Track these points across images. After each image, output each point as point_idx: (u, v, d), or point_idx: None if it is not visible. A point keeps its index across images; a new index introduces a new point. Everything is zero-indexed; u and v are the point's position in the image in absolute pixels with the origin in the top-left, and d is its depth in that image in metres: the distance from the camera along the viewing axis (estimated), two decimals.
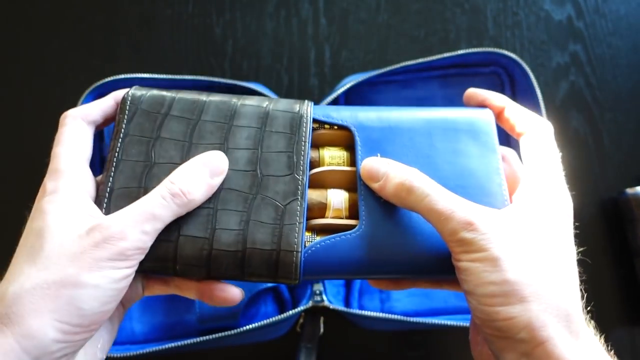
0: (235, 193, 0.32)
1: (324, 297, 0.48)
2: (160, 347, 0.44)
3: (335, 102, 0.55)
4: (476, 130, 0.35)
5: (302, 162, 0.33)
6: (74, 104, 0.49)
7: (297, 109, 0.35)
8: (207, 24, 0.60)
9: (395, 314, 0.47)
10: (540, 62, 0.59)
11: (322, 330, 0.50)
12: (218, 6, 0.60)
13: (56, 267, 0.26)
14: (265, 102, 0.35)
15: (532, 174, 0.33)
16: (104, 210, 0.30)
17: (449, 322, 0.45)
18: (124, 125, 0.33)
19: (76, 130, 0.32)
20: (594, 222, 0.56)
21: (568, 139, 0.57)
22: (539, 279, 0.28)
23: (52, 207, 0.28)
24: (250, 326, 0.44)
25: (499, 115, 0.37)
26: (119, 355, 0.44)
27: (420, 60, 0.50)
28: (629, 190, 0.53)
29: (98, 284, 0.26)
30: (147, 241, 0.28)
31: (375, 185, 0.32)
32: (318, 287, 0.48)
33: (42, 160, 0.55)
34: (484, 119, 0.36)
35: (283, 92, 0.58)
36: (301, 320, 0.50)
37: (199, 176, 0.30)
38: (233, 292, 0.32)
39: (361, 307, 0.50)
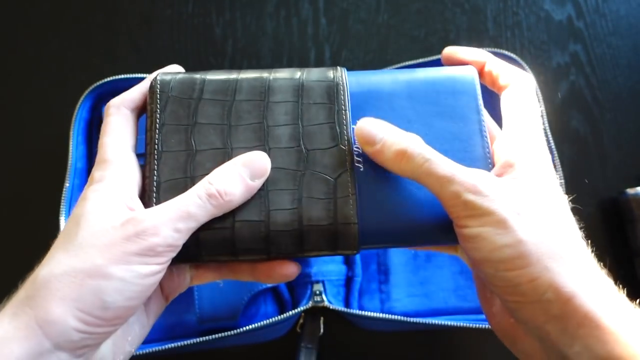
0: (283, 172, 0.31)
1: (324, 298, 0.48)
2: (160, 348, 0.44)
3: None
4: (458, 91, 0.34)
5: (345, 132, 0.32)
6: (73, 104, 0.49)
7: (332, 76, 0.34)
8: (207, 24, 0.60)
9: (395, 314, 0.47)
10: (540, 62, 0.59)
11: (322, 330, 0.50)
12: (218, 6, 0.60)
13: (86, 256, 0.26)
14: (297, 73, 0.34)
15: (513, 128, 0.32)
16: (154, 203, 0.30)
17: (449, 323, 0.45)
18: (157, 115, 0.32)
19: (121, 119, 0.32)
20: (594, 222, 0.55)
21: (568, 138, 0.57)
22: (550, 236, 0.27)
23: (93, 196, 0.29)
24: (250, 326, 0.44)
25: (480, 71, 0.36)
26: None
27: (420, 60, 0.50)
28: (629, 190, 0.53)
29: (124, 277, 0.26)
30: (179, 239, 0.28)
31: (370, 150, 0.31)
32: (318, 287, 0.48)
33: (43, 160, 0.55)
34: (466, 77, 0.35)
35: None
36: (301, 321, 0.50)
37: (238, 177, 0.30)
38: (291, 268, 0.32)
39: (361, 308, 0.50)
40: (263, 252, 0.30)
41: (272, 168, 0.31)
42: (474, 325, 0.45)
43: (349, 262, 0.51)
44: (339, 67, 0.35)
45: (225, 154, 0.31)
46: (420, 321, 0.45)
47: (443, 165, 0.29)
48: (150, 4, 0.60)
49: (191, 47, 0.59)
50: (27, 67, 0.58)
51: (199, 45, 0.59)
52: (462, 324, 0.45)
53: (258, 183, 0.30)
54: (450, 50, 0.38)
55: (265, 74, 0.34)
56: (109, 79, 0.49)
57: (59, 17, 0.60)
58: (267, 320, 0.45)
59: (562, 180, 0.47)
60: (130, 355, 0.31)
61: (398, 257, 0.51)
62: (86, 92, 0.50)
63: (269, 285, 0.48)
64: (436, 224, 0.32)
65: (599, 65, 0.59)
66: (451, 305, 0.49)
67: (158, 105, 0.32)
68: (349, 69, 0.59)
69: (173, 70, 0.34)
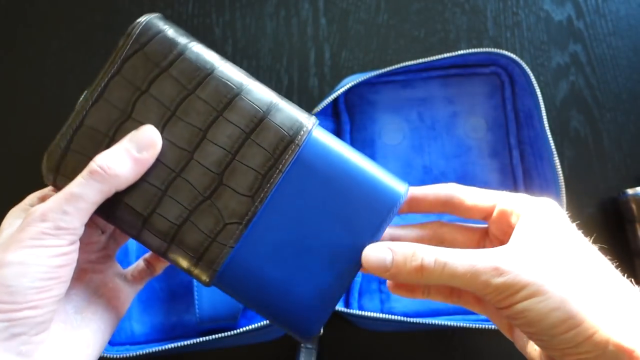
0: (189, 187, 0.30)
1: None
2: (159, 348, 0.44)
3: (335, 102, 0.55)
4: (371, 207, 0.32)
5: (265, 191, 0.31)
6: (73, 104, 0.49)
7: (293, 130, 0.31)
8: (207, 24, 0.60)
9: (395, 314, 0.47)
10: (540, 62, 0.59)
11: (321, 331, 0.50)
12: (218, 6, 0.60)
13: None
14: (266, 104, 0.31)
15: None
16: (66, 140, 0.30)
17: (449, 323, 0.45)
18: (119, 61, 0.30)
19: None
20: (594, 222, 0.55)
21: (568, 139, 0.57)
22: (587, 283, 0.27)
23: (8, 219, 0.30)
24: (250, 327, 0.44)
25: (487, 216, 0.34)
26: (118, 355, 0.44)
27: (420, 60, 0.50)
28: (629, 190, 0.53)
29: (23, 260, 0.27)
30: (71, 221, 0.28)
31: (386, 275, 0.30)
32: None
33: (41, 158, 0.55)
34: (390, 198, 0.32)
35: (283, 92, 0.58)
36: None
37: (122, 151, 0.29)
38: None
39: (361, 308, 0.50)
40: (134, 233, 0.31)
41: (181, 178, 0.30)
42: (474, 325, 0.45)
43: None
44: (312, 121, 0.31)
45: None
46: (420, 321, 0.45)
47: (460, 261, 0.28)
48: (150, 4, 0.60)
49: None
50: (27, 67, 0.58)
51: None
52: (462, 324, 0.45)
53: (147, 155, 0.29)
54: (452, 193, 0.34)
55: (236, 84, 0.31)
56: None
57: (59, 17, 0.60)
58: (267, 321, 0.45)
59: (562, 181, 0.47)
60: (97, 356, 0.31)
61: None
62: (86, 92, 0.49)
63: None
64: (297, 323, 0.32)
65: (598, 66, 0.59)
66: (451, 305, 0.49)
67: (125, 52, 0.30)
68: (349, 69, 0.60)
69: (159, 18, 0.31)
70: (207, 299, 0.47)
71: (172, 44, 0.30)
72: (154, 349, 0.44)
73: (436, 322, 0.45)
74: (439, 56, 0.51)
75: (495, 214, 0.33)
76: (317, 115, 0.52)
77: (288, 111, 0.31)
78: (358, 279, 0.50)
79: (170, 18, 0.60)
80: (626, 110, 0.58)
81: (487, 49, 0.51)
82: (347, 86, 0.50)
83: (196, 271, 0.31)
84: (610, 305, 0.27)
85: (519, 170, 0.54)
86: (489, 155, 0.54)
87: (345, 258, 0.31)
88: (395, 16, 0.60)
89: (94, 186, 0.28)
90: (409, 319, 0.46)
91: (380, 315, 0.45)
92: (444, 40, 0.60)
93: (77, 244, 0.29)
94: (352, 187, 0.31)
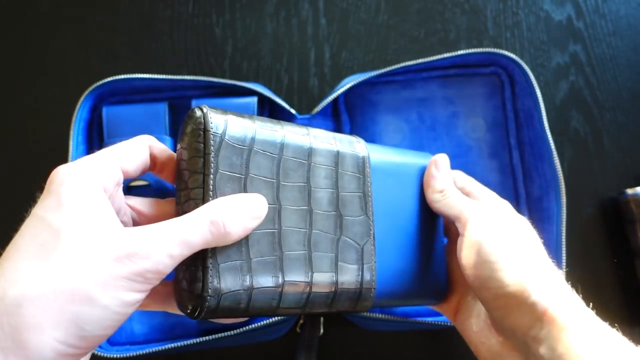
0: (323, 235, 0.33)
1: None
2: (160, 348, 0.44)
3: (335, 103, 0.55)
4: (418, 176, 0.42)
5: (369, 203, 0.36)
6: (73, 104, 0.49)
7: (359, 149, 0.36)
8: (207, 24, 0.60)
9: (395, 314, 0.47)
10: (540, 62, 0.59)
11: (322, 330, 0.50)
12: (218, 6, 0.60)
13: (69, 275, 0.23)
14: (330, 137, 0.35)
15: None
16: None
17: (450, 322, 0.45)
18: (212, 158, 0.29)
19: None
20: (594, 222, 0.56)
21: (567, 139, 0.58)
22: (513, 249, 0.35)
23: (74, 200, 0.25)
24: (250, 326, 0.44)
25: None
26: (118, 355, 0.44)
27: (420, 60, 0.50)
28: (629, 191, 0.53)
29: (108, 304, 0.23)
30: (169, 266, 0.25)
31: (432, 171, 0.40)
32: None
33: (43, 160, 0.55)
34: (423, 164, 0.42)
35: (283, 92, 0.58)
36: (301, 321, 0.50)
37: (240, 213, 0.28)
38: None
39: None
40: (299, 310, 0.32)
41: (315, 231, 0.32)
42: None
43: None
44: (360, 139, 0.37)
45: (275, 211, 0.31)
46: (421, 321, 0.45)
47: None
48: (150, 4, 0.60)
49: (191, 47, 0.59)
50: (27, 67, 0.58)
51: (199, 45, 0.59)
52: None
53: (253, 224, 0.29)
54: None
55: (304, 132, 0.34)
56: (109, 79, 0.49)
57: (59, 17, 0.60)
58: (267, 321, 0.45)
59: (562, 181, 0.47)
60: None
61: None
62: (86, 92, 0.49)
63: None
64: (431, 292, 0.40)
65: (598, 66, 0.59)
66: None
67: (212, 148, 0.29)
68: (349, 69, 0.60)
69: (212, 108, 0.31)
70: None
71: (243, 124, 0.31)
72: (154, 349, 0.44)
73: (437, 321, 0.45)
74: (439, 56, 0.51)
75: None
76: (317, 115, 0.52)
77: (345, 138, 0.36)
78: None
79: (170, 18, 0.60)
80: (626, 110, 0.58)
81: (487, 49, 0.51)
82: (347, 86, 0.50)
83: (358, 307, 0.35)
84: (534, 269, 0.33)
85: (519, 170, 0.54)
86: (488, 156, 0.54)
87: (430, 226, 0.40)
88: (395, 16, 0.60)
89: (206, 237, 0.26)
90: (409, 319, 0.46)
91: (381, 316, 0.45)
92: (444, 40, 0.60)
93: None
94: (407, 169, 0.40)
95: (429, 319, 0.46)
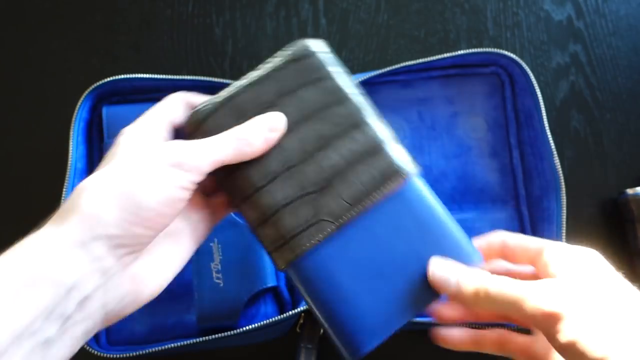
0: (302, 177, 0.35)
1: None
2: (160, 348, 0.44)
3: None
4: None
5: (364, 205, 0.34)
6: (73, 104, 0.49)
7: (402, 167, 0.35)
8: (207, 24, 0.60)
9: None
10: (540, 62, 0.59)
11: (322, 330, 0.50)
12: (218, 6, 0.60)
13: (123, 164, 0.30)
14: (386, 137, 0.35)
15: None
16: (214, 106, 0.35)
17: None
18: (283, 61, 0.36)
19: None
20: (594, 222, 0.56)
21: (568, 139, 0.57)
22: (620, 332, 0.29)
23: (132, 131, 0.33)
24: (250, 327, 0.44)
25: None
26: (118, 355, 0.44)
27: (420, 60, 0.50)
28: (629, 191, 0.53)
29: (158, 181, 0.29)
30: (205, 166, 0.31)
31: (449, 290, 0.33)
32: None
33: (43, 160, 0.55)
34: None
35: None
36: (301, 321, 0.50)
37: (257, 127, 0.34)
38: None
39: None
40: (237, 204, 0.35)
41: (298, 168, 0.34)
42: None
43: None
44: (417, 167, 0.36)
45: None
46: (422, 320, 0.45)
47: (528, 302, 0.30)
48: (150, 4, 0.60)
49: (191, 47, 0.59)
50: (27, 67, 0.58)
51: (199, 45, 0.59)
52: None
53: (274, 136, 0.34)
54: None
55: (367, 111, 0.36)
56: (109, 79, 0.49)
57: (59, 17, 0.60)
58: (267, 321, 0.45)
59: (562, 181, 0.47)
60: (168, 281, 0.33)
61: None
62: (86, 92, 0.49)
63: (269, 285, 0.48)
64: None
65: (599, 66, 0.59)
66: None
67: (288, 58, 0.36)
68: (349, 69, 0.60)
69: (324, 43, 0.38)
70: (207, 299, 0.47)
71: (323, 65, 0.36)
72: (154, 349, 0.44)
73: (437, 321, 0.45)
74: (439, 56, 0.51)
75: (541, 259, 0.34)
76: None
77: (401, 151, 0.36)
78: None
79: (170, 18, 0.60)
80: (626, 110, 0.58)
81: (487, 49, 0.51)
82: None
83: (276, 253, 0.34)
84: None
85: (519, 170, 0.54)
86: (489, 155, 0.54)
87: (414, 296, 0.34)
88: (395, 16, 0.60)
89: (234, 148, 0.32)
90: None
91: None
92: (444, 40, 0.60)
93: (194, 189, 0.31)
94: (437, 237, 0.35)
95: (430, 319, 0.46)
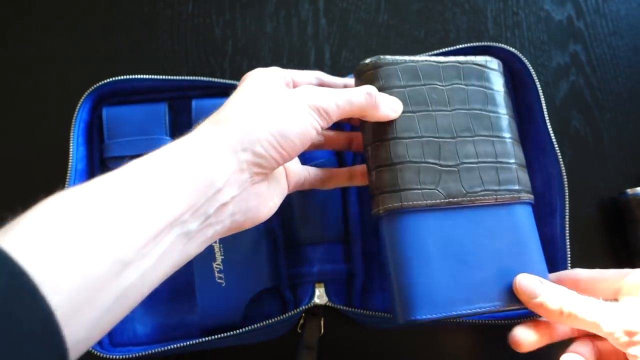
0: (437, 150, 0.40)
1: (326, 297, 0.48)
2: (162, 348, 0.44)
3: None
4: None
5: (477, 198, 0.39)
6: (74, 104, 0.49)
7: (522, 188, 0.41)
8: (207, 24, 0.60)
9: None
10: (541, 62, 0.59)
11: (322, 330, 0.50)
12: (218, 6, 0.60)
13: (270, 96, 0.34)
14: (519, 159, 0.42)
15: None
16: (373, 63, 0.41)
17: (450, 320, 0.45)
18: (468, 60, 0.43)
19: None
20: (594, 222, 0.56)
21: (568, 139, 0.58)
22: None
23: (259, 74, 0.37)
24: (252, 327, 0.44)
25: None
26: (120, 356, 0.44)
27: (420, 55, 0.50)
28: (629, 191, 0.53)
29: (299, 115, 0.33)
30: (335, 112, 0.35)
31: (531, 303, 0.37)
32: (320, 286, 0.48)
33: (43, 162, 0.55)
34: None
35: None
36: (302, 321, 0.50)
37: (387, 101, 0.39)
38: None
39: (363, 306, 0.50)
40: (368, 144, 0.41)
41: (437, 143, 0.39)
42: (477, 320, 0.45)
43: (350, 261, 0.51)
44: (532, 197, 0.41)
45: (445, 106, 0.41)
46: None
47: (607, 323, 0.34)
48: (150, 4, 0.60)
49: (191, 47, 0.59)
50: (27, 67, 0.58)
51: (199, 45, 0.59)
52: (465, 321, 0.45)
53: (393, 114, 0.39)
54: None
55: (510, 126, 0.43)
56: (109, 80, 0.49)
57: (59, 17, 0.60)
58: (269, 320, 0.45)
59: (565, 173, 0.47)
60: (274, 210, 0.37)
61: None
62: (86, 93, 0.49)
63: (271, 285, 0.48)
64: None
65: (599, 66, 0.59)
66: None
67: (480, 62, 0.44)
68: (349, 69, 0.60)
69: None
70: (209, 299, 0.47)
71: (498, 81, 0.44)
72: (155, 350, 0.44)
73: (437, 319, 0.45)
74: (438, 51, 0.51)
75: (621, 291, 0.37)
76: None
77: (526, 178, 0.42)
78: (359, 277, 0.50)
79: (170, 18, 0.60)
80: (626, 110, 0.58)
81: (486, 43, 0.51)
82: None
83: (382, 196, 0.38)
84: None
85: None
86: None
87: (486, 293, 0.37)
88: (395, 16, 0.60)
89: (362, 101, 0.37)
90: None
91: (383, 314, 0.45)
92: (444, 40, 0.60)
93: (321, 131, 0.36)
94: (526, 256, 0.39)
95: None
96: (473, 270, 0.37)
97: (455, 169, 0.39)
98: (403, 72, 0.41)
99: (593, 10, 0.60)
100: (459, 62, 0.42)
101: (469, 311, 0.37)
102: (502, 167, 0.40)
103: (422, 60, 0.42)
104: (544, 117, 0.49)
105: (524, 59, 0.50)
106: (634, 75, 0.59)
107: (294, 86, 0.40)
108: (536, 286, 0.37)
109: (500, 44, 0.51)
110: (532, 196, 0.41)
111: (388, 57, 0.41)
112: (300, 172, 0.42)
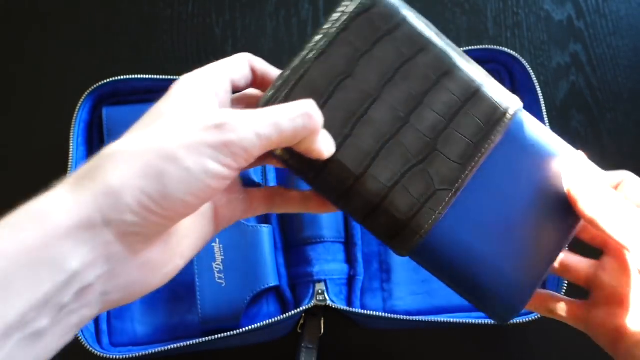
0: (401, 150, 0.30)
1: (327, 297, 0.48)
2: (162, 348, 0.44)
3: None
4: None
5: (476, 159, 0.30)
6: (74, 105, 0.49)
7: (505, 104, 0.31)
8: (207, 24, 0.60)
9: (397, 312, 0.47)
10: (541, 62, 0.59)
11: (322, 330, 0.50)
12: (218, 6, 0.60)
13: (159, 137, 0.25)
14: (480, 77, 0.31)
15: None
16: (285, 90, 0.29)
17: (452, 320, 0.45)
18: (346, 18, 0.30)
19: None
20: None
21: (568, 139, 0.57)
22: None
23: (182, 92, 0.27)
24: (252, 327, 0.45)
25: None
26: (120, 356, 0.44)
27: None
28: None
29: (190, 167, 0.24)
30: (256, 145, 0.25)
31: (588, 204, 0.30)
32: (320, 286, 0.48)
33: (43, 162, 0.54)
34: None
35: None
36: (302, 321, 0.50)
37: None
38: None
39: (363, 306, 0.50)
40: (334, 195, 0.30)
41: (396, 140, 0.30)
42: (477, 321, 0.45)
43: (351, 261, 0.51)
44: (518, 100, 0.32)
45: (369, 98, 0.30)
46: (422, 319, 0.45)
47: None
48: (150, 4, 0.60)
49: (191, 47, 0.59)
50: (27, 67, 0.58)
51: (199, 45, 0.59)
52: (465, 321, 0.45)
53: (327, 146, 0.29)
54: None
55: (452, 55, 0.31)
56: (109, 80, 0.49)
57: (59, 17, 0.60)
58: (269, 320, 0.45)
59: None
60: (176, 271, 0.29)
61: None
62: (86, 93, 0.49)
63: (271, 285, 0.48)
64: (496, 301, 0.32)
65: (599, 66, 0.59)
66: (454, 302, 0.49)
67: (354, 10, 0.30)
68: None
69: None
70: (209, 299, 0.47)
71: (396, 9, 0.31)
72: (156, 350, 0.44)
73: (438, 319, 0.45)
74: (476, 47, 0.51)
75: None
76: None
77: (499, 87, 0.32)
78: (360, 277, 0.50)
79: (170, 18, 0.60)
80: (626, 110, 0.58)
81: (486, 46, 0.51)
82: None
83: (396, 241, 0.31)
84: None
85: None
86: None
87: (553, 233, 0.32)
88: None
89: (296, 125, 0.26)
90: (411, 318, 0.46)
91: (383, 314, 0.45)
92: None
93: (236, 176, 0.27)
94: (555, 161, 0.33)
95: (431, 317, 0.46)
96: (526, 223, 0.32)
97: (433, 151, 0.30)
98: (302, 98, 0.30)
99: (593, 10, 0.60)
100: (340, 29, 0.30)
101: (554, 260, 0.32)
102: (473, 104, 0.31)
103: (307, 67, 0.30)
104: (544, 120, 0.49)
105: (524, 62, 0.50)
106: (634, 75, 0.59)
107: (236, 90, 0.31)
108: (587, 183, 0.31)
109: (500, 47, 0.51)
110: (516, 98, 0.32)
111: (272, 95, 0.30)
112: (236, 205, 0.32)
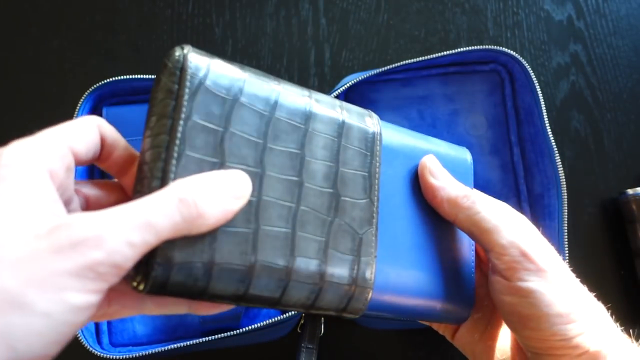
0: (313, 214, 0.27)
1: None
2: (162, 348, 0.44)
3: None
4: (457, 172, 0.36)
5: (375, 186, 0.30)
6: (74, 105, 0.49)
7: (369, 124, 0.30)
8: (207, 24, 0.60)
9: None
10: (541, 62, 0.59)
11: (322, 331, 0.50)
12: (218, 6, 0.60)
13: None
14: (337, 105, 0.30)
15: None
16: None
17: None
18: (185, 102, 0.24)
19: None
20: (594, 222, 0.56)
21: (568, 139, 0.58)
22: (581, 296, 0.31)
23: (10, 185, 0.20)
24: (252, 327, 0.44)
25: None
26: (120, 356, 0.44)
27: (420, 58, 0.50)
28: (629, 191, 0.53)
29: (49, 311, 0.17)
30: (129, 257, 0.19)
31: (432, 181, 0.31)
32: None
33: None
34: (464, 159, 0.37)
35: None
36: (302, 321, 0.50)
37: (217, 191, 0.22)
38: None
39: None
40: (272, 302, 0.26)
41: (303, 207, 0.27)
42: None
43: None
44: (373, 114, 0.31)
45: (256, 177, 0.25)
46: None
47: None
48: (150, 4, 0.60)
49: None
50: (27, 67, 0.58)
51: (199, 45, 0.59)
52: None
53: (236, 206, 0.23)
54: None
55: (305, 93, 0.29)
56: (109, 80, 0.49)
57: (59, 17, 0.60)
58: (269, 320, 0.45)
59: (563, 177, 0.47)
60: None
61: None
62: (86, 93, 0.49)
63: None
64: (448, 309, 0.32)
65: (599, 66, 0.59)
66: None
67: (187, 90, 0.24)
68: (349, 69, 0.60)
69: (197, 49, 0.25)
70: None
71: (231, 71, 0.26)
72: (156, 350, 0.44)
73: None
74: (439, 54, 0.51)
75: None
76: None
77: (354, 107, 0.31)
78: None
79: (170, 18, 0.60)
80: (626, 110, 0.58)
81: (486, 47, 0.51)
82: (347, 85, 0.50)
83: (347, 313, 0.29)
84: (593, 318, 0.30)
85: (520, 167, 0.54)
86: (489, 153, 0.54)
87: (457, 239, 0.33)
88: (395, 16, 0.60)
89: (175, 220, 0.20)
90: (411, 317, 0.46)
91: (383, 315, 0.45)
92: (444, 40, 0.60)
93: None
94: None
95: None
96: (436, 236, 0.33)
97: (339, 198, 0.28)
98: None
99: (593, 10, 0.60)
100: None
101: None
102: (346, 136, 0.29)
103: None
104: (544, 121, 0.49)
105: (524, 62, 0.50)
106: (634, 75, 0.59)
107: (80, 163, 0.24)
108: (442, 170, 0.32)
109: (500, 48, 0.51)
110: (369, 111, 0.31)
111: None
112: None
